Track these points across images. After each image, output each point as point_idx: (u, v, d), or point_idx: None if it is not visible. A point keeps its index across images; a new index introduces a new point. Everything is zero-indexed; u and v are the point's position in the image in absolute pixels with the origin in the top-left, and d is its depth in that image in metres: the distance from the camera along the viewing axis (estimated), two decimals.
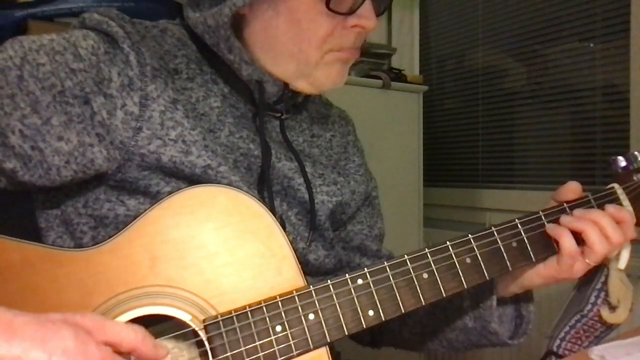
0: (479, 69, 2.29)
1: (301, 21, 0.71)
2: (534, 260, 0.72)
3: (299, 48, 0.73)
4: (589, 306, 0.75)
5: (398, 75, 2.10)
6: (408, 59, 2.51)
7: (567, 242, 0.71)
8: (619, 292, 0.74)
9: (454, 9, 2.39)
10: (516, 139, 2.17)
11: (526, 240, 0.72)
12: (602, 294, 0.75)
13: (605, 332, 0.75)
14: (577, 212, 0.74)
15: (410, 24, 2.54)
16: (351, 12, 0.71)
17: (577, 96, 1.93)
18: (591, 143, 1.91)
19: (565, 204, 0.76)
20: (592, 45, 1.89)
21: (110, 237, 0.61)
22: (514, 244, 0.71)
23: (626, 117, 1.76)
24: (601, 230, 0.72)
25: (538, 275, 0.75)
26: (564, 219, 0.73)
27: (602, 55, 1.86)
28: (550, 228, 0.73)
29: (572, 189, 0.78)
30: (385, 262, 0.66)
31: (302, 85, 0.77)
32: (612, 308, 0.74)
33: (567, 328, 0.76)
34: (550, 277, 0.75)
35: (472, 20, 2.30)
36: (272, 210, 0.67)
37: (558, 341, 0.76)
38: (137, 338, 0.48)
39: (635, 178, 0.79)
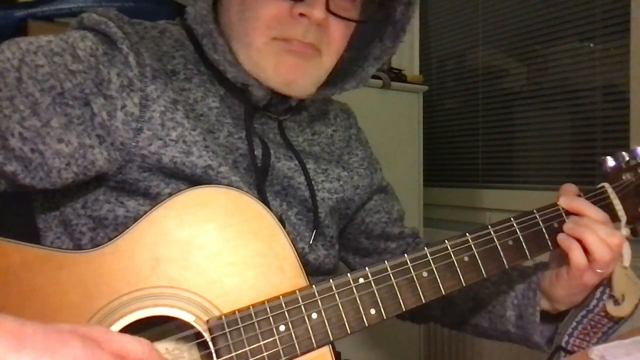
0: (479, 69, 2.28)
1: (246, 1, 0.71)
2: (529, 257, 0.74)
3: (245, 31, 0.71)
4: (594, 301, 0.77)
5: (398, 75, 2.10)
6: (408, 59, 2.51)
7: (577, 256, 0.73)
8: (623, 287, 0.75)
9: (454, 9, 2.39)
10: (516, 139, 2.16)
11: (522, 239, 0.73)
12: (607, 290, 0.76)
13: (612, 327, 0.76)
14: (571, 219, 0.75)
15: (410, 24, 2.54)
16: None
17: (577, 96, 1.93)
18: (591, 143, 1.91)
19: (558, 204, 0.77)
20: (592, 45, 1.89)
21: (110, 238, 0.61)
22: (510, 242, 0.73)
23: (626, 117, 1.75)
24: (598, 235, 0.72)
25: (557, 286, 0.77)
26: (566, 226, 0.75)
27: (602, 55, 1.85)
28: (561, 240, 0.74)
29: (569, 191, 0.78)
30: (385, 262, 0.66)
31: (273, 85, 0.74)
32: (617, 302, 0.75)
33: (574, 324, 0.77)
34: (566, 286, 0.76)
35: (472, 20, 2.30)
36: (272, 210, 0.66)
37: (566, 337, 0.77)
38: (144, 351, 0.47)
39: (624, 177, 0.81)
